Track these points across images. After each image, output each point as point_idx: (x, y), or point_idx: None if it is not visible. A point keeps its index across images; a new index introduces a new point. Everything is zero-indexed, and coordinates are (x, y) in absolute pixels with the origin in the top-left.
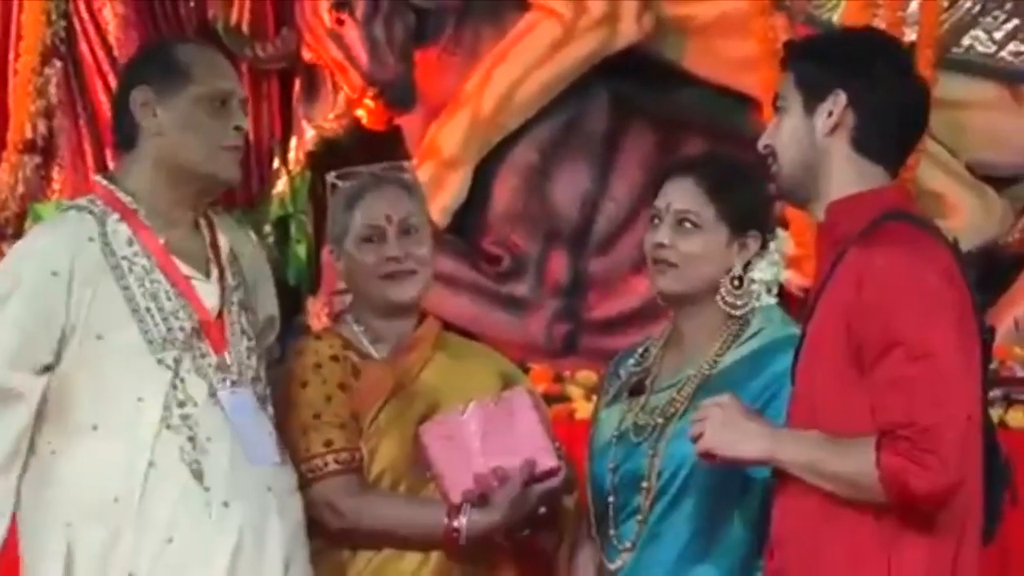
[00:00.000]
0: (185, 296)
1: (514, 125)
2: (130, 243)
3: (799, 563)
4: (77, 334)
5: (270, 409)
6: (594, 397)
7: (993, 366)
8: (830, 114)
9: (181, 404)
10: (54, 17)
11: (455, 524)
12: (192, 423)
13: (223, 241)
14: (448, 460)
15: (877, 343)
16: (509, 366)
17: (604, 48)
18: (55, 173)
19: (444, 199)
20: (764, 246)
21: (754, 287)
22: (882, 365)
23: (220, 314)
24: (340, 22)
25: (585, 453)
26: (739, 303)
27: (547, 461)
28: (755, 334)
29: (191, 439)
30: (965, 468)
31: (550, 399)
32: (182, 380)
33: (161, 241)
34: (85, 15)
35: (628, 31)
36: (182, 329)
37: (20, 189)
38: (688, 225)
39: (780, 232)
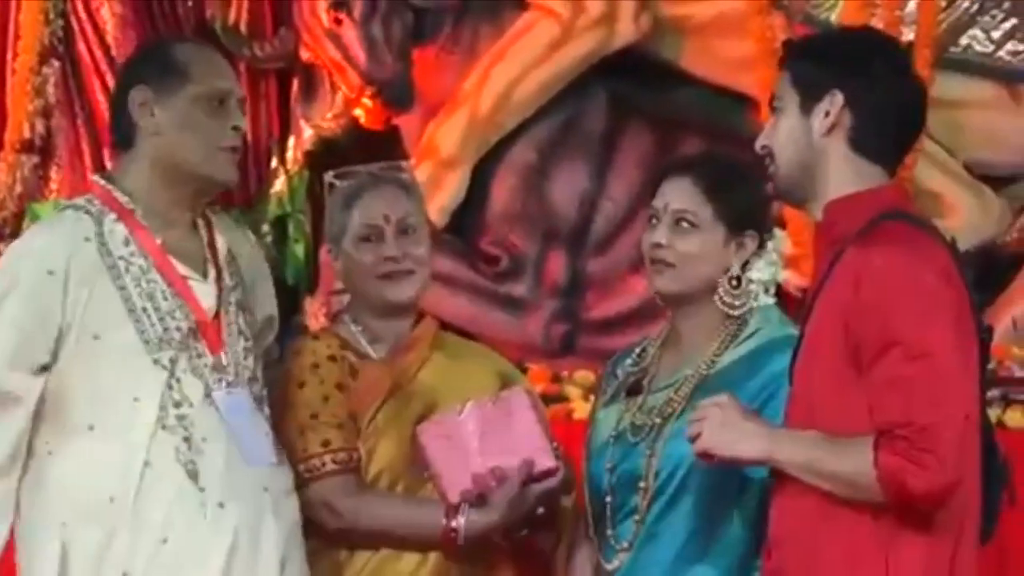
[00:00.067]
0: (182, 296)
1: (512, 124)
2: (127, 243)
3: (797, 563)
4: (73, 334)
5: (267, 409)
6: (592, 397)
7: (991, 366)
8: (827, 114)
9: (177, 404)
10: (52, 16)
11: (453, 524)
12: (188, 423)
13: (221, 241)
14: (446, 460)
15: (875, 343)
16: (507, 366)
17: (602, 48)
18: (53, 173)
19: (442, 199)
20: (762, 246)
21: (752, 287)
22: (880, 364)
23: (217, 314)
24: (338, 22)
25: (583, 453)
26: (737, 303)
27: (545, 461)
28: (753, 334)
29: (187, 439)
30: (963, 468)
31: (548, 399)
32: (178, 380)
33: (158, 241)
34: (83, 15)
35: (626, 31)
36: (178, 329)
37: (18, 189)
38: (685, 225)
39: (778, 232)
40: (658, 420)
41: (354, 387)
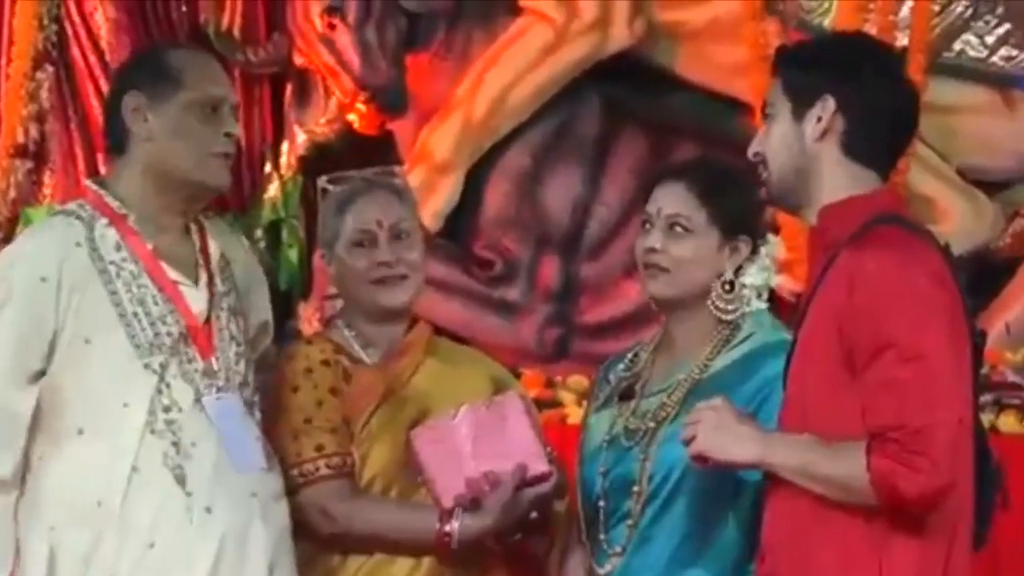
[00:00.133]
0: (172, 301)
1: (506, 129)
2: (118, 248)
3: (790, 567)
4: (65, 338)
5: (258, 414)
6: (585, 402)
7: (984, 371)
8: (819, 119)
9: (166, 409)
10: (46, 21)
11: (447, 528)
12: (176, 428)
13: (214, 247)
14: (439, 465)
15: (868, 346)
16: (500, 371)
17: (596, 52)
18: (47, 177)
19: (436, 203)
20: (755, 251)
21: (745, 292)
22: (873, 368)
23: (208, 320)
24: (332, 27)
25: (576, 458)
26: (730, 308)
27: (538, 465)
28: (746, 338)
29: (175, 444)
30: (956, 471)
31: (541, 404)
32: (168, 385)
33: (149, 246)
34: (77, 19)
35: (620, 36)
36: (169, 334)
37: (12, 194)
38: (679, 229)
39: (771, 237)
40: (651, 424)
41: (348, 392)
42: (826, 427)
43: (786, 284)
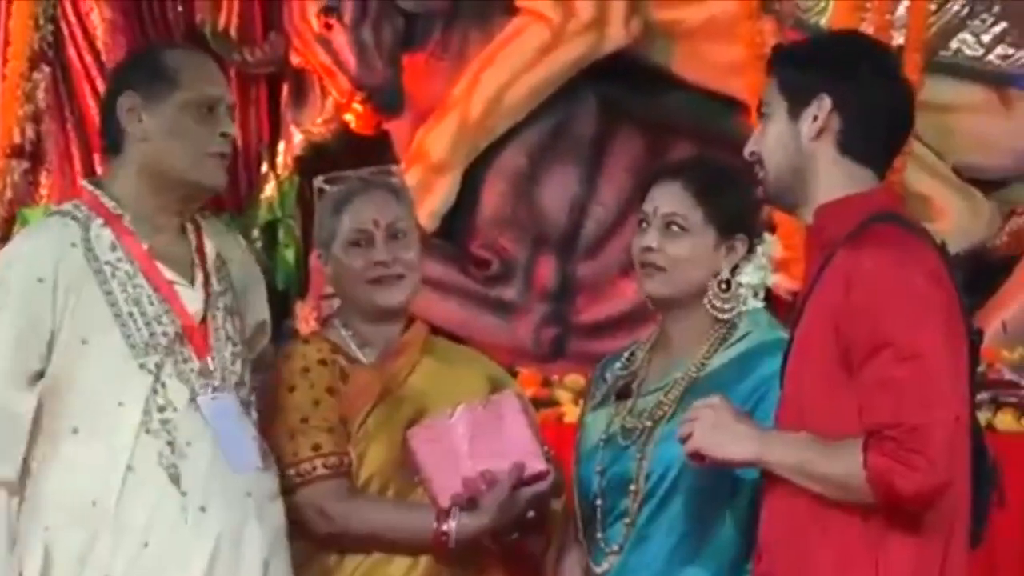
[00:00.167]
0: (168, 301)
1: (502, 129)
2: (113, 248)
3: (787, 565)
4: (63, 338)
5: (254, 414)
6: (582, 401)
7: (981, 369)
8: (815, 118)
9: (161, 409)
10: (42, 22)
11: (444, 528)
12: (171, 428)
13: (210, 246)
14: (436, 464)
15: (865, 344)
16: (497, 370)
17: (592, 52)
18: (43, 178)
19: (432, 203)
20: (751, 249)
21: (741, 291)
22: (870, 366)
23: (204, 319)
24: (328, 27)
25: (573, 457)
26: (726, 307)
27: (535, 465)
28: (742, 337)
29: (170, 444)
30: (953, 469)
31: (538, 403)
32: (163, 385)
33: (145, 246)
34: (73, 20)
35: (616, 35)
36: (165, 334)
37: (8, 194)
38: (676, 228)
39: (767, 236)
40: (648, 423)
41: (344, 391)
42: (823, 426)
43: (782, 283)
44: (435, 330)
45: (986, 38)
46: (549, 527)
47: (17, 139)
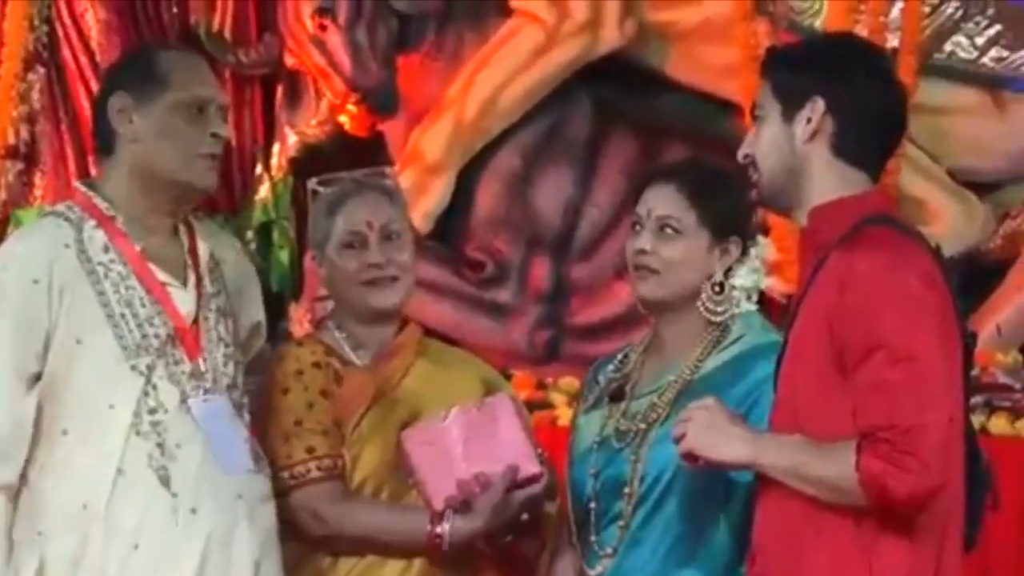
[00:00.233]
0: (160, 303)
1: (497, 130)
2: (106, 250)
3: (780, 568)
4: (58, 339)
5: (247, 416)
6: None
7: (975, 372)
8: (809, 121)
9: (152, 411)
10: (37, 23)
11: (438, 530)
12: (162, 429)
13: (203, 247)
14: (430, 466)
15: (859, 346)
16: (491, 372)
17: (587, 54)
18: (37, 179)
19: (427, 205)
20: (745, 252)
21: (735, 293)
22: (864, 368)
23: (196, 321)
24: (323, 28)
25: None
26: (719, 309)
27: (529, 467)
28: (736, 340)
29: (160, 445)
30: (947, 471)
31: (532, 405)
32: (154, 387)
33: (137, 248)
34: (68, 21)
35: (611, 37)
36: (157, 336)
37: (2, 195)
38: (669, 231)
39: (761, 239)
40: (642, 426)
41: (338, 394)
42: (817, 428)
43: (776, 286)
44: (429, 332)
45: (980, 41)
46: (543, 530)
47: (11, 140)
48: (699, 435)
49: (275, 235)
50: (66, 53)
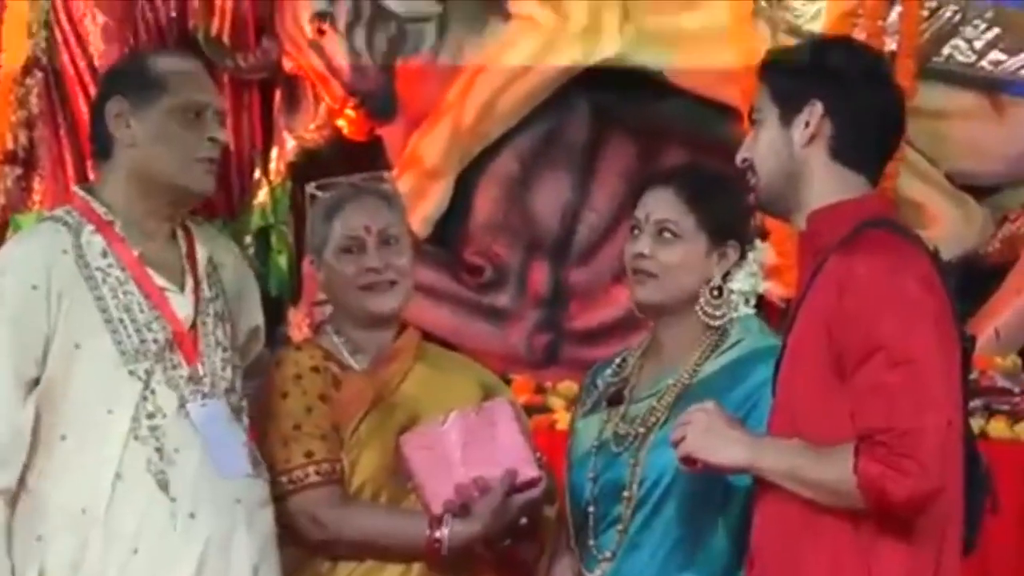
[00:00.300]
0: (158, 308)
1: (495, 135)
2: (104, 254)
3: (779, 572)
4: (57, 344)
5: (245, 421)
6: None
7: (974, 376)
8: (807, 124)
9: (150, 415)
10: (35, 27)
11: (437, 535)
12: (160, 434)
13: (201, 252)
14: (429, 471)
15: (858, 350)
16: (490, 377)
17: (585, 59)
18: (36, 184)
19: (425, 209)
20: (743, 256)
21: (733, 297)
22: (862, 371)
23: (194, 325)
24: (321, 32)
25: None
26: (717, 313)
27: (528, 471)
28: (734, 344)
29: (158, 450)
30: (946, 474)
31: (531, 410)
32: (152, 391)
33: (136, 253)
34: (66, 25)
35: (609, 42)
36: (155, 341)
37: (1, 200)
38: (668, 235)
39: (759, 243)
40: (641, 429)
41: (337, 398)
42: (815, 432)
43: (774, 290)
44: (427, 337)
45: (978, 44)
46: (541, 534)
47: (10, 145)
48: (698, 439)
49: (273, 239)
50: (65, 58)
